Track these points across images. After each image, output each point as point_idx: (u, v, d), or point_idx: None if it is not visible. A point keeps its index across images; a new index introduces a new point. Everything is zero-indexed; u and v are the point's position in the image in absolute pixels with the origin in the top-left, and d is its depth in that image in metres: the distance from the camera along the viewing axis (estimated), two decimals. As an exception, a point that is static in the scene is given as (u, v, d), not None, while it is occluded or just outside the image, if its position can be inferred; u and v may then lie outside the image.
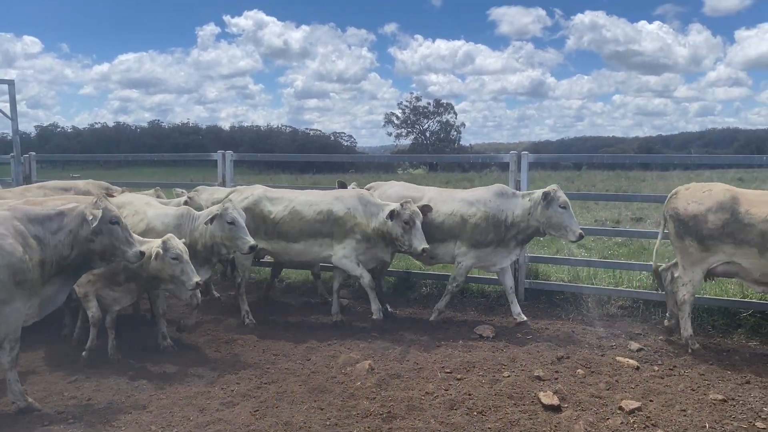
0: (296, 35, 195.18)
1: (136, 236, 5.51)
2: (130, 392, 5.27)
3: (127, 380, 5.53)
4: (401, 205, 6.68)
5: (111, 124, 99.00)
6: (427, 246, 6.62)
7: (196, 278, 5.59)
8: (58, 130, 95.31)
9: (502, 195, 7.03)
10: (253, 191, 7.42)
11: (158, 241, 5.62)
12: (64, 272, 5.00)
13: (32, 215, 4.83)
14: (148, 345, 6.39)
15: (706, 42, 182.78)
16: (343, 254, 7.02)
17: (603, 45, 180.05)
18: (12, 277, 4.49)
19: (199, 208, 6.93)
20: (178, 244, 5.63)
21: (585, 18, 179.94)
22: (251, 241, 6.16)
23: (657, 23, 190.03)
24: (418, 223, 6.66)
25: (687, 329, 6.13)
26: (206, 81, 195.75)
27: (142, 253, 5.15)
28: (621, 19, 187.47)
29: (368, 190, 7.68)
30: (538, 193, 6.78)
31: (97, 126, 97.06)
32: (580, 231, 6.65)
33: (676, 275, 6.29)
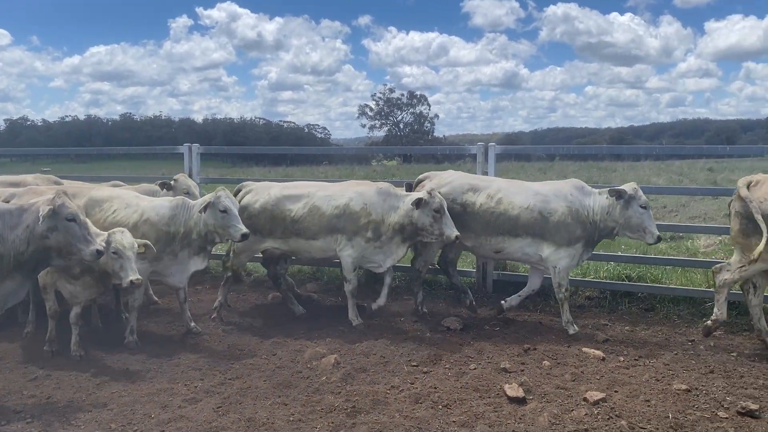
0: (270, 27, 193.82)
1: (94, 229, 5.43)
2: (92, 390, 5.14)
3: (89, 377, 5.40)
4: (428, 193, 6.37)
5: (82, 117, 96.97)
6: (459, 233, 6.35)
7: (133, 277, 5.45)
8: (28, 123, 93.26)
9: (581, 190, 6.58)
10: (269, 190, 7.08)
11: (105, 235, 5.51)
12: (22, 268, 4.91)
13: None
14: (114, 340, 6.28)
15: (677, 33, 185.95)
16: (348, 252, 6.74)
17: (575, 36, 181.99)
18: None
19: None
20: (122, 240, 5.50)
21: (558, 10, 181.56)
22: (243, 228, 6.09)
23: (629, 15, 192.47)
24: (447, 211, 6.38)
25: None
26: (179, 73, 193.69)
27: (99, 252, 5.02)
28: (593, 11, 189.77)
29: (425, 180, 7.12)
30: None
31: (68, 119, 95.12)
32: (658, 233, 6.26)
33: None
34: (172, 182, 7.77)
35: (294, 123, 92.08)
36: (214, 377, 5.38)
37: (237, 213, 6.17)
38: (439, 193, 6.47)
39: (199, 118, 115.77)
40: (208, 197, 6.19)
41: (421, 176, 7.29)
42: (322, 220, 6.70)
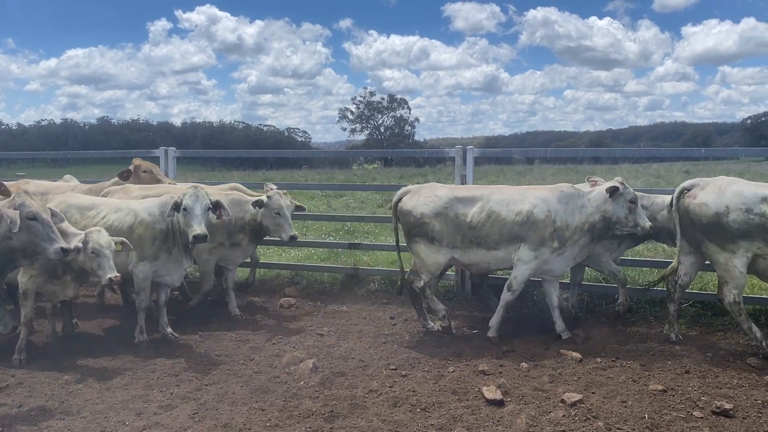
0: (250, 30, 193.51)
1: (72, 230, 5.48)
2: (64, 397, 5.05)
3: (62, 384, 5.31)
4: (621, 183, 6.08)
5: (58, 121, 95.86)
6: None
7: (111, 274, 5.43)
8: (3, 127, 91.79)
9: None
10: (437, 192, 6.39)
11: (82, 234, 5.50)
12: None
13: None
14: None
15: (655, 38, 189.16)
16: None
17: (555, 40, 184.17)
18: None
19: None
20: (100, 239, 5.48)
21: (537, 14, 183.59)
22: (197, 229, 5.88)
23: (607, 19, 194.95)
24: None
25: None
26: (158, 77, 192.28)
27: (64, 250, 4.99)
28: (573, 15, 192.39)
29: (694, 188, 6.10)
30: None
31: (43, 123, 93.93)
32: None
33: None
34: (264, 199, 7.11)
35: (274, 126, 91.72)
36: (190, 383, 5.31)
37: (200, 212, 5.98)
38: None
39: (177, 121, 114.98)
40: (178, 196, 6.16)
41: (685, 184, 6.17)
42: (503, 227, 6.12)
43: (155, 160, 9.29)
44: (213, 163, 41.50)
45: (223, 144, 68.09)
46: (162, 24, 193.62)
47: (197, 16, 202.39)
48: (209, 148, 50.12)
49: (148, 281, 6.25)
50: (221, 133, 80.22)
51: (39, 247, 4.94)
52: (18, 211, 4.85)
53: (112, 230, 5.97)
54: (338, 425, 4.51)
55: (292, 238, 6.91)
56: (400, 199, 6.49)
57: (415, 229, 6.30)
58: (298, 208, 7.44)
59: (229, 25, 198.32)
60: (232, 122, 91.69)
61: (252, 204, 7.00)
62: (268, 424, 4.53)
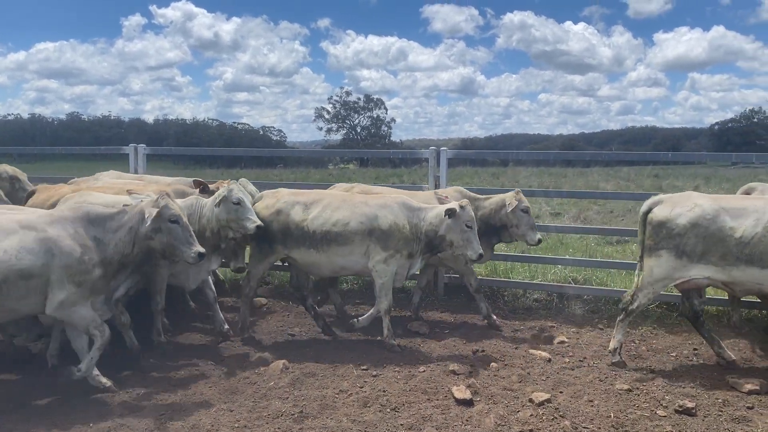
0: (227, 27, 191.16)
1: None
2: (24, 400, 4.94)
3: (22, 387, 5.19)
4: None
5: (26, 115, 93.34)
6: None
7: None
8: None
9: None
10: (697, 201, 5.57)
11: None
12: (126, 269, 5.12)
13: (93, 216, 4.95)
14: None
15: (628, 43, 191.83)
16: None
17: (531, 44, 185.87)
18: (71, 278, 4.67)
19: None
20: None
21: (514, 17, 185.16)
22: (257, 220, 5.90)
23: (582, 24, 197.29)
24: None
25: None
26: (131, 72, 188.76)
27: (201, 255, 5.05)
28: (549, 20, 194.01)
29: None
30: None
31: (10, 117, 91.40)
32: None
33: None
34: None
35: (248, 125, 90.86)
36: (158, 385, 5.25)
37: (250, 205, 5.99)
38: None
39: (150, 118, 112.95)
40: (222, 191, 5.95)
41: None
42: None
43: (125, 157, 9.17)
44: (186, 161, 40.94)
45: (197, 142, 67.16)
46: (136, 19, 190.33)
47: (173, 12, 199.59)
48: (182, 146, 49.50)
49: (164, 283, 6.02)
50: (195, 130, 79.06)
51: (178, 249, 5.02)
52: (156, 209, 4.94)
53: None
54: (308, 426, 4.50)
55: (480, 256, 6.07)
56: (650, 209, 5.78)
57: (663, 241, 5.59)
58: None
59: (205, 22, 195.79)
60: (206, 120, 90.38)
61: (444, 212, 6.02)
62: (236, 425, 4.49)
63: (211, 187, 6.52)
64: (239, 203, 5.83)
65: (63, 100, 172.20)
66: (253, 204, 6.32)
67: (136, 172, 8.90)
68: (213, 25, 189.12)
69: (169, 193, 5.22)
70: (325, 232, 6.11)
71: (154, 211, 4.94)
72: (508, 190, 7.03)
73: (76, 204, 5.49)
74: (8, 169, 7.76)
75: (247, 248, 6.62)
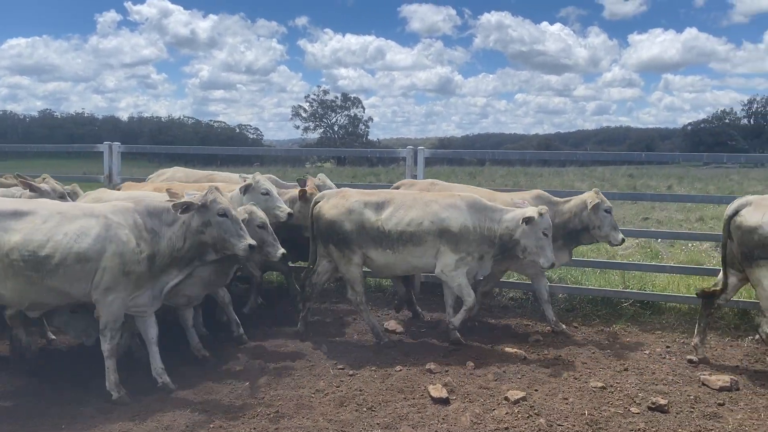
0: (204, 25, 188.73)
1: None
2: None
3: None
4: None
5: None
6: None
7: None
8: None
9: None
10: None
11: None
12: (178, 263, 5.03)
13: (152, 208, 4.99)
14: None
15: (603, 44, 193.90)
16: None
17: (508, 45, 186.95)
18: (122, 266, 4.69)
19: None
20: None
21: (492, 18, 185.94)
22: (288, 209, 6.13)
23: (558, 25, 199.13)
24: None
25: None
26: (105, 69, 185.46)
27: (251, 246, 5.01)
28: (526, 20, 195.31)
29: None
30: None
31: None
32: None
33: None
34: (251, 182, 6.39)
35: (225, 123, 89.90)
36: (132, 385, 5.16)
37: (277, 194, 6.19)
38: None
39: (124, 116, 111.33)
40: (248, 181, 6.11)
41: None
42: None
43: (99, 155, 9.02)
44: (161, 159, 40.44)
45: (172, 140, 66.34)
46: (111, 15, 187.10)
47: (148, 9, 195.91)
48: (157, 144, 48.89)
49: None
50: (170, 128, 78.09)
51: (228, 243, 4.98)
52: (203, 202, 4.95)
53: None
54: (283, 425, 4.47)
55: (552, 265, 5.97)
56: (737, 212, 5.43)
57: (759, 249, 5.22)
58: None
59: (181, 19, 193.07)
60: (182, 118, 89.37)
61: (522, 220, 5.85)
62: (211, 426, 4.45)
63: (309, 189, 6.72)
64: (268, 193, 6.01)
65: (35, 97, 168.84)
66: (315, 204, 6.30)
67: (110, 170, 8.76)
68: (189, 23, 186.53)
69: (217, 187, 5.18)
70: (399, 232, 5.98)
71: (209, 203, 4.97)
72: (506, 191, 6.91)
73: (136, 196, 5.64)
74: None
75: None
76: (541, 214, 5.83)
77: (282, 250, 5.50)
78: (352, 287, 6.31)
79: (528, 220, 5.80)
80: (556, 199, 6.70)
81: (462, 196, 6.18)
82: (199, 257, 5.11)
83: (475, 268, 6.15)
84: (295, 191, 6.91)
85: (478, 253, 6.05)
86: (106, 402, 4.82)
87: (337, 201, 6.23)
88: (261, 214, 5.59)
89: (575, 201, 6.52)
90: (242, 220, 5.27)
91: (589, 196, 6.38)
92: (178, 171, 8.28)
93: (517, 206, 6.22)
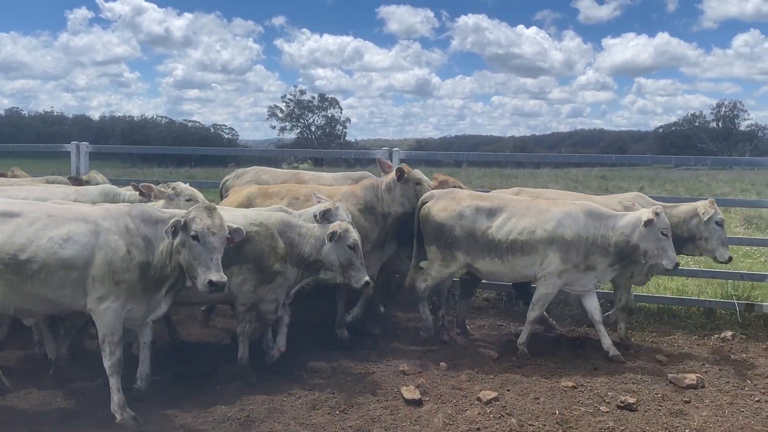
0: (178, 23, 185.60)
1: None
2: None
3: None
4: None
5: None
6: None
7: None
8: None
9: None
10: None
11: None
12: (168, 282, 4.59)
13: (147, 215, 4.62)
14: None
15: (578, 48, 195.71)
16: None
17: (485, 47, 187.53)
18: (111, 275, 4.38)
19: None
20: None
21: (469, 20, 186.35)
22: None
23: (534, 28, 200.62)
24: None
25: None
26: (76, 67, 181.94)
27: (211, 283, 4.27)
28: (502, 23, 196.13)
29: None
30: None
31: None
32: None
33: None
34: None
35: (199, 122, 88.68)
36: (100, 390, 5.07)
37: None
38: None
39: (96, 115, 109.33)
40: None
41: None
42: None
43: (66, 155, 8.86)
44: (133, 159, 39.91)
45: (145, 139, 65.24)
46: (82, 12, 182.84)
47: (121, 6, 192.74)
48: (130, 144, 48.24)
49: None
50: (143, 128, 76.72)
51: (193, 271, 4.38)
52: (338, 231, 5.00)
53: None
54: (255, 429, 4.44)
55: (677, 265, 5.77)
56: None
57: None
58: None
59: (155, 17, 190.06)
60: (155, 117, 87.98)
61: (643, 223, 5.61)
62: (181, 430, 4.40)
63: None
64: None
65: (2, 95, 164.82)
66: (422, 204, 6.12)
67: (78, 171, 8.60)
68: (164, 21, 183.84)
69: (210, 207, 4.57)
70: (511, 241, 5.76)
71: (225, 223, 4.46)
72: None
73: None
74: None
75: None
76: (657, 214, 5.59)
77: (367, 279, 5.22)
78: (425, 278, 6.15)
79: (648, 223, 5.54)
80: (656, 202, 6.41)
81: (578, 204, 5.94)
82: (179, 282, 4.66)
83: (579, 279, 5.91)
84: (687, 206, 6.25)
85: (585, 264, 5.81)
86: (73, 407, 4.73)
87: (448, 203, 6.01)
88: (355, 235, 5.22)
89: (685, 207, 6.21)
90: (332, 235, 5.06)
91: (702, 205, 6.07)
92: (262, 172, 7.66)
93: (628, 210, 6.01)
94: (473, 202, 5.99)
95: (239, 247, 4.98)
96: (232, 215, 5.22)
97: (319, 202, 5.74)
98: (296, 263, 5.36)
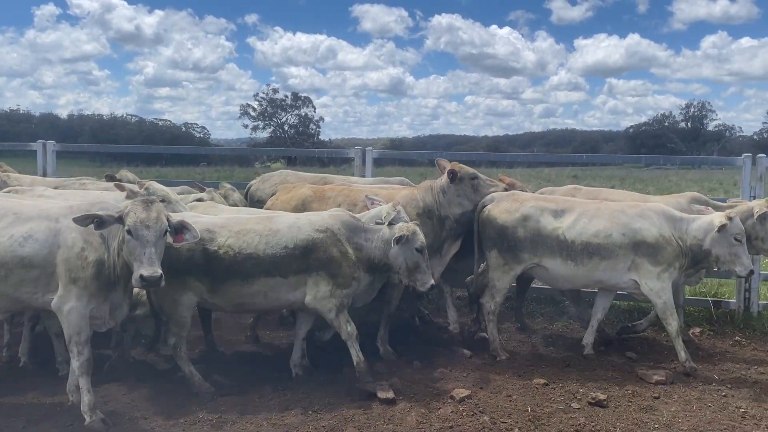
0: (149, 20, 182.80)
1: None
2: None
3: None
4: None
5: None
6: None
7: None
8: None
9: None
10: None
11: None
12: (122, 279, 4.47)
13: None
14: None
15: (551, 48, 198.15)
16: None
17: (459, 47, 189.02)
18: (68, 273, 4.32)
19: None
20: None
21: (443, 20, 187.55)
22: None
23: (507, 28, 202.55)
24: None
25: None
26: (43, 65, 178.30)
27: (143, 278, 4.14)
28: (476, 23, 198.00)
29: None
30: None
31: None
32: None
33: None
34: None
35: (170, 121, 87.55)
36: (69, 395, 4.97)
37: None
38: None
39: (64, 113, 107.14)
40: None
41: None
42: None
43: (32, 154, 8.67)
44: (102, 158, 39.20)
45: (115, 138, 64.04)
46: (49, 9, 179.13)
47: (89, 3, 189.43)
48: (99, 143, 47.37)
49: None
50: (112, 126, 75.36)
51: (131, 265, 4.28)
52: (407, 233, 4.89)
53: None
54: (227, 431, 4.39)
55: (752, 272, 5.62)
56: None
57: None
58: None
59: (125, 14, 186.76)
60: (125, 115, 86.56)
61: (717, 228, 5.42)
62: (151, 434, 4.34)
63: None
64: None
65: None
66: (482, 207, 5.96)
67: (44, 171, 8.42)
68: (134, 18, 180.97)
69: (148, 200, 4.43)
70: (584, 243, 5.58)
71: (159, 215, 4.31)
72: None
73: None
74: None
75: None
76: (730, 219, 5.40)
77: (432, 282, 5.18)
78: (492, 295, 5.97)
79: (721, 228, 5.38)
80: (714, 202, 6.33)
81: (649, 206, 5.79)
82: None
83: (677, 283, 5.74)
84: (743, 205, 6.06)
85: (677, 263, 5.61)
86: (43, 407, 4.62)
87: (510, 205, 5.87)
88: (422, 238, 5.15)
89: (740, 207, 6.00)
90: (400, 238, 4.98)
91: (758, 204, 5.91)
92: (289, 175, 7.54)
93: (701, 213, 5.88)
94: (537, 203, 5.88)
95: (305, 257, 4.97)
96: (295, 219, 5.19)
97: (372, 204, 5.67)
98: (367, 269, 5.25)
